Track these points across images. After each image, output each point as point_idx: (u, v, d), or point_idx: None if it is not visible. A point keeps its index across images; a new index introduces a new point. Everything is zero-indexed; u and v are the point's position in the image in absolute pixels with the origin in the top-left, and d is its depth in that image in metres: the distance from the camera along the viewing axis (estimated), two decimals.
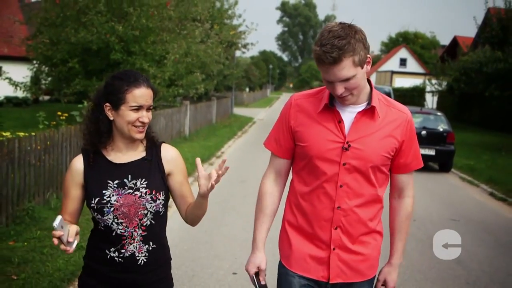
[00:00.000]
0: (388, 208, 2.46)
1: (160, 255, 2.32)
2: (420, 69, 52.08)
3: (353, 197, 2.27)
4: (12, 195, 5.89)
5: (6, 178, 5.75)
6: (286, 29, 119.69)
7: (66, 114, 10.94)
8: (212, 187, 2.10)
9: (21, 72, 19.57)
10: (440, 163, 12.97)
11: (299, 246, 2.36)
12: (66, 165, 7.03)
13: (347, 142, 2.23)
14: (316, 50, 2.10)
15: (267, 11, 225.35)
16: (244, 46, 25.83)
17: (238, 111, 32.03)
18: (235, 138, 18.06)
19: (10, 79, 15.79)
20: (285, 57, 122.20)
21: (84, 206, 2.32)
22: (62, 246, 2.00)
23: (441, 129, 12.78)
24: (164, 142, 2.38)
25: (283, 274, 2.41)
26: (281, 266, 2.45)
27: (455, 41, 36.66)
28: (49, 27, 15.47)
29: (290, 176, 2.47)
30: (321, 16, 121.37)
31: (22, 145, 6.07)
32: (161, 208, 2.26)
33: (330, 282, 2.31)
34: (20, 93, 19.62)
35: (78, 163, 2.26)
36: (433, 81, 30.98)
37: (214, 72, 19.68)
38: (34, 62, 22.17)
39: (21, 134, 7.53)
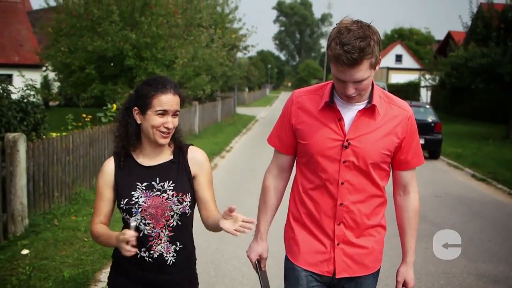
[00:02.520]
0: (394, 206, 2.49)
1: (187, 255, 2.37)
2: (415, 65, 53.01)
3: (354, 193, 2.28)
4: (68, 181, 7.18)
5: (64, 167, 7.04)
6: (283, 28, 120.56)
7: (91, 116, 12.20)
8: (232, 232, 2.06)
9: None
10: (429, 151, 14.23)
11: (305, 242, 2.38)
12: (106, 156, 8.32)
13: (347, 140, 2.23)
14: (336, 49, 2.04)
15: (264, 11, 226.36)
16: (245, 48, 27.13)
17: (240, 110, 33.45)
18: (241, 134, 19.37)
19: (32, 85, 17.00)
20: (282, 56, 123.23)
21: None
22: (128, 247, 2.05)
23: (429, 120, 14.04)
24: (192, 145, 2.42)
25: (290, 269, 2.44)
26: (287, 261, 2.47)
27: (449, 36, 37.75)
28: (65, 37, 16.73)
29: (294, 171, 2.53)
30: (317, 15, 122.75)
31: (75, 140, 7.37)
32: (188, 209, 2.30)
33: (336, 277, 2.33)
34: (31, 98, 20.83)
35: (109, 165, 2.32)
36: (427, 76, 32.28)
37: (219, 74, 20.94)
38: (44, 68, 23.52)
39: (63, 133, 8.80)
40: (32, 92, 7.31)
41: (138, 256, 2.26)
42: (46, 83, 28.49)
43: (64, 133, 8.07)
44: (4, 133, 6.35)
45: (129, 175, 2.28)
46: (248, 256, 2.53)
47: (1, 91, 6.87)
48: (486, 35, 16.97)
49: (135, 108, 2.25)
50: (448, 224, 7.21)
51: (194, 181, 2.34)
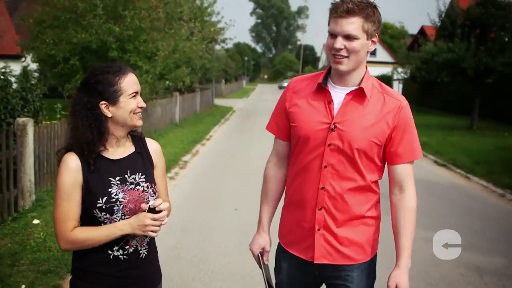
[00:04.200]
0: (390, 207, 2.40)
1: (154, 246, 2.35)
2: (389, 59, 54.15)
3: (338, 179, 2.24)
4: None
5: None
6: (259, 21, 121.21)
7: None
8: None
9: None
10: None
11: (291, 226, 2.39)
12: None
13: (334, 123, 2.22)
14: (335, 1, 2.16)
15: (241, 3, 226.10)
16: (223, 41, 27.82)
17: (218, 101, 34.19)
18: (219, 124, 20.18)
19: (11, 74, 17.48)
20: (259, 49, 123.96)
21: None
22: (156, 225, 2.11)
23: None
24: (144, 136, 2.37)
25: (277, 258, 2.48)
26: (278, 248, 2.50)
27: (422, 31, 38.89)
28: (49, 29, 17.22)
29: None
30: (294, 7, 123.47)
31: None
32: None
33: (315, 261, 2.30)
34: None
35: (75, 161, 2.10)
36: (399, 69, 33.51)
37: (198, 66, 21.64)
38: (23, 59, 23.94)
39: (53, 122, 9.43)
40: (33, 81, 7.94)
41: (111, 257, 2.15)
42: (25, 73, 28.77)
43: (54, 121, 8.70)
44: (10, 118, 7.04)
45: (98, 171, 2.12)
46: (250, 249, 2.50)
47: (4, 80, 7.54)
48: (452, 31, 17.98)
49: (103, 102, 2.10)
50: None
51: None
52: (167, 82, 17.31)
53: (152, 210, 2.09)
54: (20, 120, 6.38)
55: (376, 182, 2.32)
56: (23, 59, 24.50)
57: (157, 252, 2.38)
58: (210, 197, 8.17)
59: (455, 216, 7.46)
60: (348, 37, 2.14)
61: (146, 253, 2.26)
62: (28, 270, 4.68)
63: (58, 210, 2.10)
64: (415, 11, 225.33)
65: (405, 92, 34.53)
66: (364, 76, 2.27)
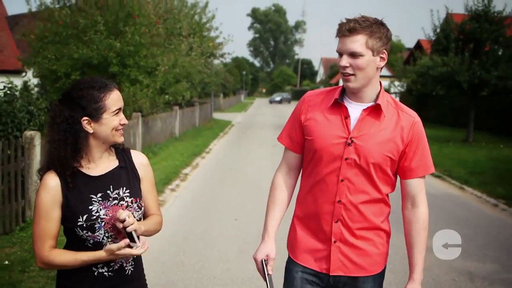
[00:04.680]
0: (402, 221, 2.44)
1: (140, 262, 2.30)
2: (386, 72, 54.65)
3: (354, 193, 2.29)
4: None
5: None
6: (257, 35, 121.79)
7: None
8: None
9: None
10: None
11: (304, 239, 2.41)
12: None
13: (351, 138, 2.26)
14: (341, 22, 2.24)
15: (238, 18, 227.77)
16: (222, 55, 28.18)
17: (217, 115, 34.58)
18: (219, 138, 20.45)
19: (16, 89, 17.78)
20: (257, 63, 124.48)
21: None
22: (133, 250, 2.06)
23: None
24: (130, 149, 2.34)
25: (289, 270, 2.47)
26: (288, 261, 2.49)
27: (419, 45, 39.20)
28: (50, 44, 17.55)
29: None
30: (291, 22, 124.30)
31: None
32: (142, 215, 2.25)
33: (331, 274, 2.33)
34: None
35: (53, 180, 2.08)
36: (396, 83, 33.92)
37: (197, 80, 21.97)
38: (24, 74, 24.27)
39: None
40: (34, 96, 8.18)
41: (96, 273, 2.12)
42: (26, 88, 29.09)
43: None
44: (17, 132, 7.29)
45: (78, 189, 2.09)
46: (254, 259, 2.44)
47: (11, 95, 7.80)
48: (446, 45, 18.33)
49: (85, 118, 2.07)
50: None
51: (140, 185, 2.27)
52: (167, 96, 17.59)
53: (130, 235, 2.04)
54: (28, 133, 6.62)
55: (388, 195, 2.38)
56: (23, 74, 24.79)
57: (143, 269, 2.34)
58: (210, 207, 8.38)
59: (448, 225, 7.62)
60: (353, 55, 2.19)
61: (132, 269, 2.23)
62: (38, 275, 4.89)
63: (36, 229, 2.09)
64: (412, 24, 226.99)
65: None
66: (379, 92, 2.33)
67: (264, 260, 2.39)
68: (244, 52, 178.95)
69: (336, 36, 2.25)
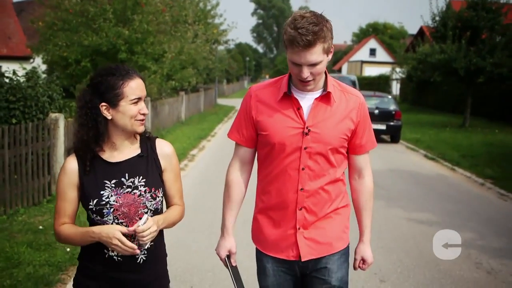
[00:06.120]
0: (350, 189, 2.57)
1: (158, 253, 2.29)
2: (388, 59, 54.60)
3: (314, 178, 2.36)
4: None
5: None
6: (260, 21, 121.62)
7: None
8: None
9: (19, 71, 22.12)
10: (390, 136, 16.14)
11: (268, 230, 2.46)
12: None
13: (307, 127, 2.31)
14: (291, 33, 2.15)
15: (242, 4, 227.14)
16: (226, 42, 28.83)
17: (220, 101, 35.33)
18: (223, 122, 21.23)
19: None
20: (260, 49, 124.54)
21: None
22: (128, 248, 2.07)
23: (391, 109, 15.92)
24: (157, 137, 2.33)
25: (259, 260, 2.54)
26: (257, 252, 2.54)
27: (421, 31, 39.53)
28: (60, 32, 18.16)
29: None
30: (295, 8, 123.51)
31: None
32: (160, 205, 2.25)
33: (302, 260, 2.40)
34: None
35: (71, 164, 2.16)
36: (397, 69, 34.48)
37: (202, 67, 22.61)
38: (32, 60, 24.92)
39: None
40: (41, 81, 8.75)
41: (107, 256, 2.17)
42: (34, 73, 29.66)
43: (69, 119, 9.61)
44: (40, 114, 7.96)
45: (94, 174, 2.15)
46: (217, 254, 2.55)
47: (34, 80, 8.45)
48: (444, 33, 18.90)
49: (103, 104, 2.11)
50: (397, 189, 9.04)
51: (163, 175, 2.27)
52: (174, 82, 18.24)
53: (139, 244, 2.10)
54: (53, 115, 7.31)
55: (342, 171, 2.47)
56: (31, 60, 25.42)
57: (163, 258, 2.36)
58: (217, 184, 9.05)
59: (437, 201, 8.37)
60: (313, 65, 2.21)
61: (144, 258, 2.22)
62: None
63: (55, 206, 2.23)
64: (415, 11, 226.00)
65: (402, 92, 35.54)
66: (326, 78, 2.38)
67: (227, 256, 2.52)
68: (247, 38, 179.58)
69: (289, 48, 2.22)
